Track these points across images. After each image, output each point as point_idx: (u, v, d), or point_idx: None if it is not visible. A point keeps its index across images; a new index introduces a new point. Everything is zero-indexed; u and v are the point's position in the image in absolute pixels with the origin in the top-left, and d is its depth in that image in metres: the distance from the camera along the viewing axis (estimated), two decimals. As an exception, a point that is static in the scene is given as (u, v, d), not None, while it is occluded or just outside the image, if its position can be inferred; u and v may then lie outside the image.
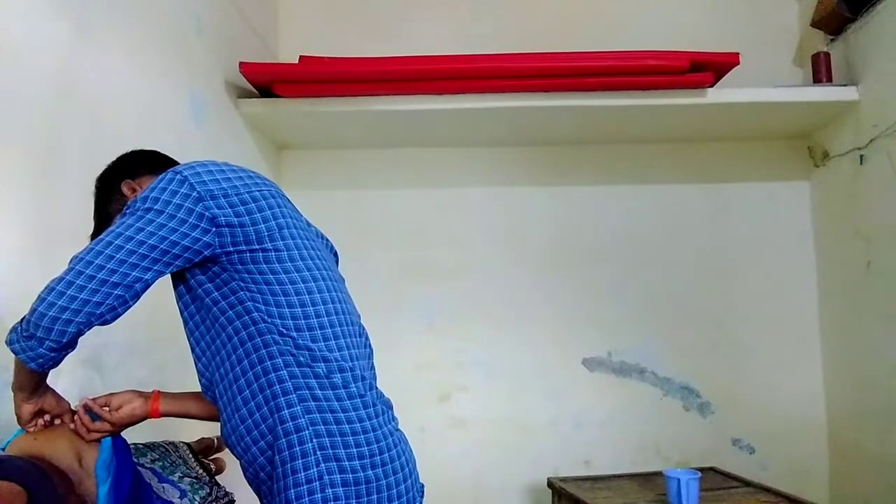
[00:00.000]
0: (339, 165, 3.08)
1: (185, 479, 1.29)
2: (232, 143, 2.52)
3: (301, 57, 2.68)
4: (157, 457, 1.30)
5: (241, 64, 2.48)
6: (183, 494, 1.25)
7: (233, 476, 1.41)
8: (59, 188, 1.49)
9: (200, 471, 1.35)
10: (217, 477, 1.41)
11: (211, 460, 1.45)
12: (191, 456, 1.37)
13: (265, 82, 2.57)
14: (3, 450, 1.08)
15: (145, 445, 1.32)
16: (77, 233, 1.49)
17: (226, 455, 1.45)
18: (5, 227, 1.33)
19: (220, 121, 2.40)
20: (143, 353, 1.79)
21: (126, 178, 1.25)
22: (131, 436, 1.23)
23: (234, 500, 1.37)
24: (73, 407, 1.19)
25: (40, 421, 1.14)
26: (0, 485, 0.88)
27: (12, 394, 1.10)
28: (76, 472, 1.09)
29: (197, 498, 1.26)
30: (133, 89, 1.82)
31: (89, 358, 1.54)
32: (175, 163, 1.30)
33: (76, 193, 1.53)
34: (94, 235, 1.27)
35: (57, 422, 1.16)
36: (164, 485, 1.24)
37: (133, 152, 1.32)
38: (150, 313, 1.58)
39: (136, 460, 1.23)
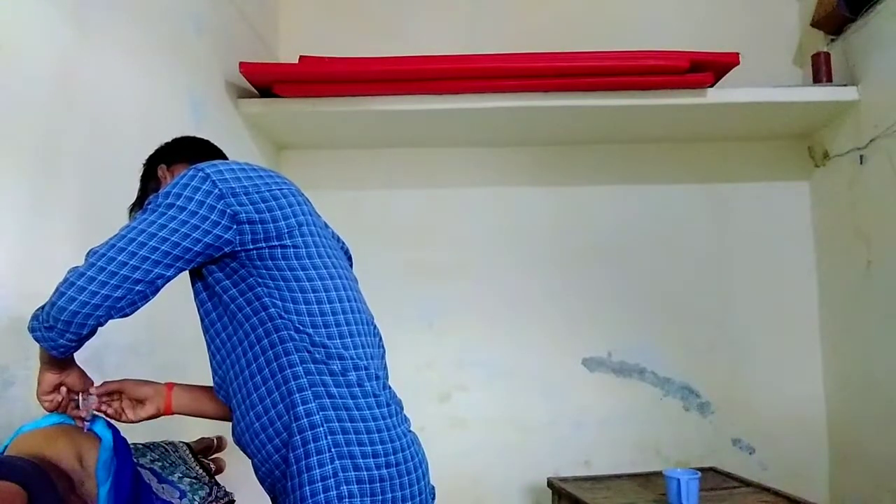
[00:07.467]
0: (339, 165, 3.08)
1: (185, 479, 1.29)
2: (232, 143, 2.50)
3: (301, 57, 2.68)
4: (157, 457, 1.30)
5: (241, 64, 2.48)
6: (183, 494, 1.25)
7: (233, 476, 1.41)
8: (59, 188, 1.49)
9: (200, 471, 1.35)
10: (217, 477, 1.41)
11: (211, 460, 1.44)
12: (190, 456, 1.37)
13: (265, 82, 2.57)
14: (4, 450, 1.08)
15: (145, 445, 1.32)
16: (77, 232, 1.49)
17: (225, 455, 1.45)
18: (5, 227, 1.33)
19: (220, 121, 2.40)
20: (144, 354, 1.79)
21: (163, 162, 1.30)
22: (131, 436, 1.23)
23: (234, 500, 1.37)
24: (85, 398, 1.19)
25: (58, 396, 1.13)
26: (0, 485, 0.88)
27: (39, 363, 1.11)
28: (77, 473, 1.08)
29: (196, 498, 1.26)
30: (133, 89, 1.82)
31: (90, 358, 1.53)
32: (222, 155, 1.33)
33: (75, 194, 1.53)
34: (134, 206, 1.32)
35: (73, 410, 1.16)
36: (164, 485, 1.24)
37: (182, 138, 1.37)
38: (151, 314, 1.57)
39: (135, 460, 1.22)
